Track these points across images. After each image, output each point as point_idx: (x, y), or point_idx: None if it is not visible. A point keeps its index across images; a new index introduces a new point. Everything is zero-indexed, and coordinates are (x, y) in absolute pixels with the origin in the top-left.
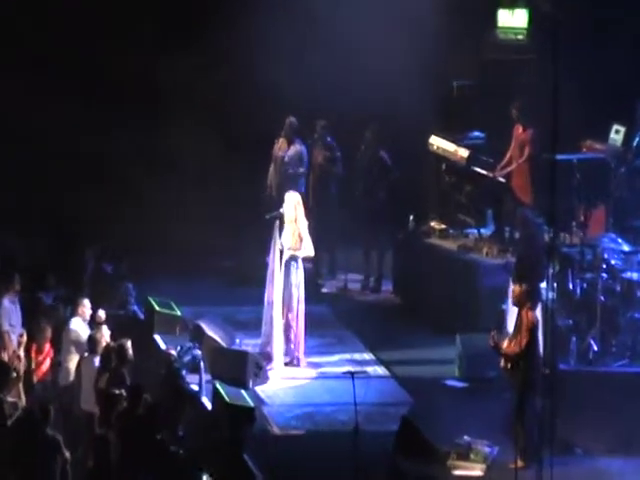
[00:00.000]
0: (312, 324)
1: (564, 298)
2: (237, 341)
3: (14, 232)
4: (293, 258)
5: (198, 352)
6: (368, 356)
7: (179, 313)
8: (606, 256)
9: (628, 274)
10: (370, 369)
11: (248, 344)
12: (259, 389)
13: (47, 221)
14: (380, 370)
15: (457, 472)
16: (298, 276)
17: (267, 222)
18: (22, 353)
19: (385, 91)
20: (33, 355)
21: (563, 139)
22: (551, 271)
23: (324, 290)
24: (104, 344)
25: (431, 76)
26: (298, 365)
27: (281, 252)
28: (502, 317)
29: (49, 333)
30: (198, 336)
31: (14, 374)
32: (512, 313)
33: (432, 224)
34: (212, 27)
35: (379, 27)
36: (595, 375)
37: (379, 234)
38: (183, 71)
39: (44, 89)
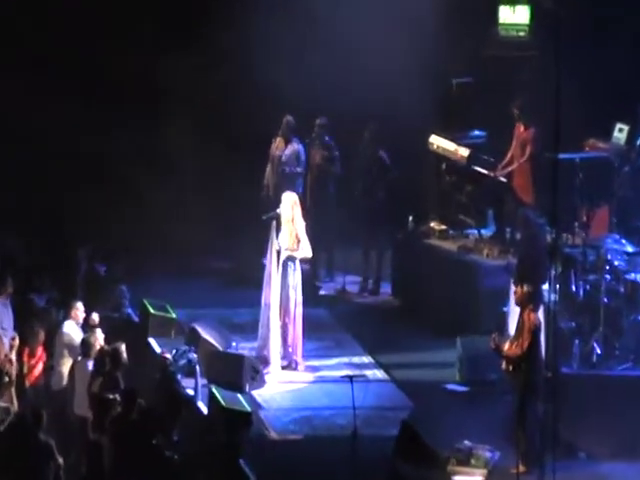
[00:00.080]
0: (310, 327)
1: (566, 300)
2: (233, 344)
3: (14, 232)
4: (290, 259)
5: (194, 355)
6: (367, 359)
7: (174, 316)
8: (609, 257)
9: (632, 275)
10: (369, 372)
11: (245, 347)
12: (256, 393)
13: (41, 221)
14: (379, 374)
15: (457, 478)
16: (295, 278)
17: (264, 222)
18: (14, 357)
19: (384, 89)
20: (25, 359)
21: (565, 138)
22: (553, 272)
23: (322, 292)
24: (98, 347)
25: (431, 74)
26: (296, 369)
27: (278, 253)
28: (503, 319)
29: (42, 336)
30: (194, 339)
31: (6, 378)
32: (513, 315)
33: (432, 225)
34: (212, 27)
35: (378, 25)
36: (598, 379)
37: (378, 235)
38: (182, 71)
39: (44, 89)
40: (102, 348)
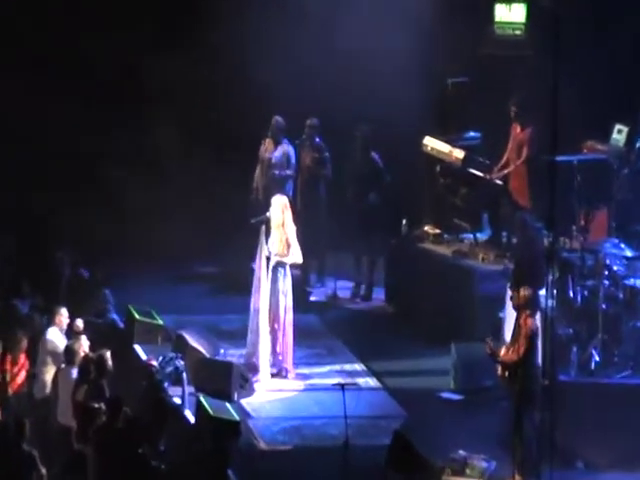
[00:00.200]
0: (300, 334)
1: (564, 306)
2: (221, 351)
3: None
4: (280, 264)
5: (181, 363)
6: (359, 367)
7: (161, 322)
8: (608, 262)
9: (631, 281)
10: (361, 380)
11: (233, 354)
12: (244, 402)
13: (24, 225)
14: (371, 382)
15: None
16: (285, 283)
17: (253, 226)
18: None
19: (377, 89)
20: (8, 367)
21: (563, 139)
22: (550, 278)
23: (313, 298)
24: (82, 355)
25: (425, 73)
26: (286, 376)
27: (268, 258)
28: (499, 325)
29: (24, 343)
30: (181, 346)
31: None
32: (510, 321)
33: (426, 228)
34: (201, 26)
35: (371, 24)
36: (597, 387)
37: (370, 239)
38: (169, 71)
39: (28, 88)
40: (87, 355)
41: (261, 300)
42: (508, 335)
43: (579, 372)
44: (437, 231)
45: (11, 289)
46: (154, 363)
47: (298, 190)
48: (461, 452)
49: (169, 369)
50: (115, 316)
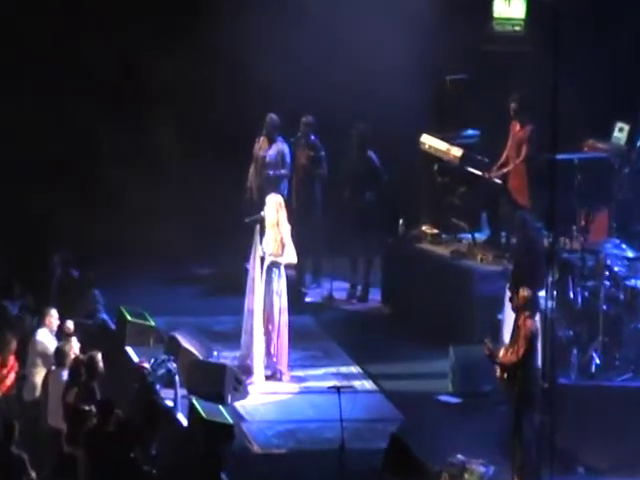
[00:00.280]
0: (295, 335)
1: (564, 307)
2: (215, 353)
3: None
4: (275, 265)
5: (173, 365)
6: (355, 369)
7: (153, 323)
8: (609, 262)
9: (632, 282)
10: (357, 383)
11: (227, 357)
12: (238, 405)
13: (13, 225)
14: (368, 384)
15: None
16: (280, 284)
17: (247, 226)
18: None
19: (374, 86)
20: None
21: (563, 137)
22: (550, 279)
23: (308, 299)
24: (73, 356)
25: (422, 71)
26: (280, 379)
27: (262, 258)
28: (498, 327)
29: (14, 345)
30: (173, 348)
31: None
32: (509, 323)
33: (423, 228)
34: (199, 25)
35: (368, 20)
36: (597, 390)
37: (367, 239)
38: (167, 71)
39: (23, 88)
40: (77, 357)
41: (255, 301)
42: (507, 337)
43: (579, 375)
44: (435, 231)
45: (1, 290)
46: (146, 365)
47: (293, 189)
48: (459, 456)
49: (161, 371)
50: (105, 316)
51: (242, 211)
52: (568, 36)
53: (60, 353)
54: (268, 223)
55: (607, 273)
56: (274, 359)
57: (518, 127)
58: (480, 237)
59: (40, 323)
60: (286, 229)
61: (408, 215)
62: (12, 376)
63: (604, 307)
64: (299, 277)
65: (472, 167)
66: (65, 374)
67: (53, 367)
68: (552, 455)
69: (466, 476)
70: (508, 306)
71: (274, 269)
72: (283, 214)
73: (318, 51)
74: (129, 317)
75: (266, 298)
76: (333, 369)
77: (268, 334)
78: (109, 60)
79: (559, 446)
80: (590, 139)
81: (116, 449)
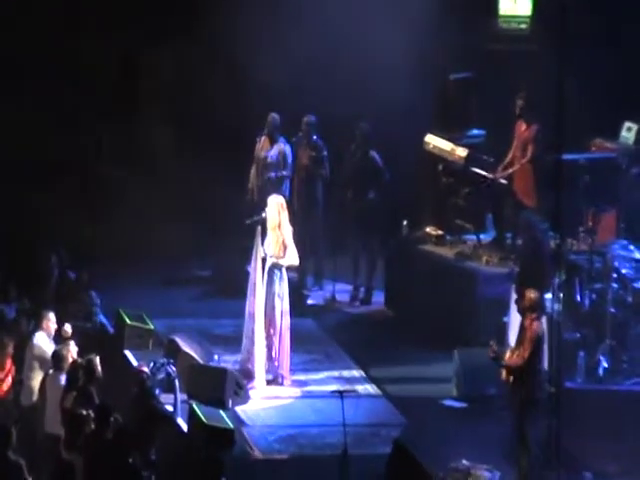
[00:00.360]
0: (297, 338)
1: (571, 310)
2: (215, 357)
3: None
4: (276, 267)
5: (173, 369)
6: (358, 373)
7: (152, 326)
8: (617, 264)
9: None
10: (360, 387)
11: (227, 360)
12: (239, 409)
13: (9, 225)
14: (371, 389)
15: None
16: (282, 286)
17: (248, 227)
18: None
19: (377, 85)
20: None
21: (570, 137)
22: (557, 281)
23: (310, 301)
24: (70, 360)
25: (426, 69)
26: (282, 383)
27: (263, 260)
28: (503, 330)
29: (11, 349)
30: (173, 352)
31: None
32: (514, 326)
33: (427, 230)
34: (196, 22)
35: (370, 16)
36: (605, 394)
37: (370, 241)
38: (167, 71)
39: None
40: (75, 361)
41: (256, 304)
42: (513, 340)
43: (586, 379)
44: (439, 232)
45: None
46: (145, 369)
47: (295, 190)
48: (464, 462)
49: (161, 375)
50: (103, 318)
51: (243, 212)
52: (576, 34)
53: (58, 357)
54: (270, 225)
55: (615, 275)
56: (275, 363)
57: (524, 127)
58: (485, 238)
59: (37, 326)
60: (288, 231)
61: (412, 216)
62: (9, 380)
63: (612, 310)
64: (301, 279)
65: (477, 167)
66: (63, 378)
67: (50, 371)
68: (559, 461)
69: None
70: (514, 309)
71: (276, 271)
72: (285, 215)
73: (320, 50)
74: (128, 320)
75: (267, 301)
76: (335, 373)
77: (269, 337)
78: (109, 60)
79: (565, 451)
80: (597, 138)
81: (114, 455)
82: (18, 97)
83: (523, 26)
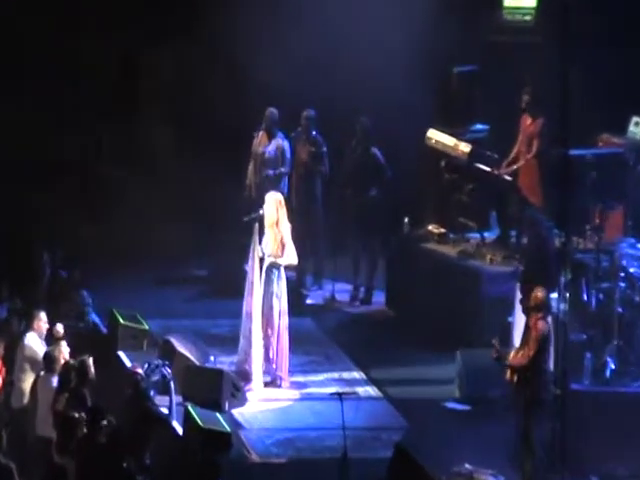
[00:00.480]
0: (296, 339)
1: (577, 310)
2: (211, 358)
3: None
4: (274, 266)
5: (168, 371)
6: (358, 375)
7: (146, 327)
8: (624, 263)
9: None
10: (360, 389)
11: (224, 362)
12: (236, 412)
13: (1, 224)
14: (371, 391)
15: None
16: (280, 286)
17: (246, 225)
18: None
19: (378, 79)
20: None
21: (576, 132)
22: (563, 280)
23: (309, 301)
24: (62, 361)
25: (429, 62)
26: (280, 385)
27: (261, 259)
28: (508, 330)
29: (1, 349)
30: (168, 353)
31: None
32: (519, 326)
33: (430, 228)
34: (196, 20)
35: (372, 11)
36: (612, 396)
37: (370, 239)
38: (167, 71)
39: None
40: (67, 362)
41: (254, 304)
42: (517, 340)
43: (593, 380)
44: (441, 230)
45: None
46: (139, 371)
47: (293, 186)
48: (467, 466)
49: (155, 377)
50: (96, 318)
51: (241, 210)
52: (582, 27)
53: (49, 358)
54: (267, 222)
55: (622, 274)
56: (273, 364)
57: (529, 121)
58: (489, 236)
59: (28, 327)
60: (286, 228)
61: (413, 213)
62: None
63: (619, 309)
64: (300, 278)
65: (481, 163)
66: (55, 380)
67: (42, 372)
68: (564, 464)
69: None
70: (518, 308)
71: (274, 270)
72: (283, 213)
73: (320, 43)
74: (121, 320)
75: (265, 300)
76: (335, 374)
77: (267, 338)
78: (109, 60)
79: (572, 454)
80: (605, 133)
81: (108, 459)
82: (18, 97)
83: (528, 18)
